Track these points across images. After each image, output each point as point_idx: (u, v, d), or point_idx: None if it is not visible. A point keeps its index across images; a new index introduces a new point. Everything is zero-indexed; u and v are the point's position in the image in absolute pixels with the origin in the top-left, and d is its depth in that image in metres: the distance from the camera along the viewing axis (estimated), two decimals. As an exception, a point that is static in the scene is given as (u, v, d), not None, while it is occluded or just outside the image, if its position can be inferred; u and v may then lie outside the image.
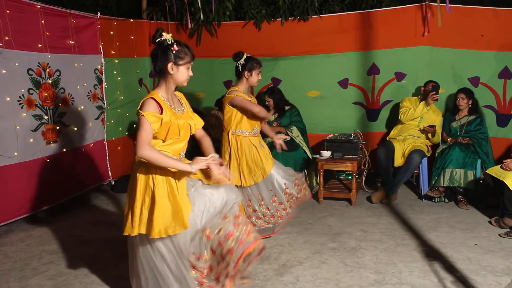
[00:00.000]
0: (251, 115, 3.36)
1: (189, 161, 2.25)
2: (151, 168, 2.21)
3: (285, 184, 3.42)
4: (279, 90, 4.93)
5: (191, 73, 2.30)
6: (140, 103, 2.21)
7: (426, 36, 4.73)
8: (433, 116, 4.61)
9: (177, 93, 2.43)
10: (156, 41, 2.21)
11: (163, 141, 2.25)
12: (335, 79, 5.15)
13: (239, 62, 3.35)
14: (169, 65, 2.20)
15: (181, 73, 2.24)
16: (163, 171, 2.22)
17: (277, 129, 4.83)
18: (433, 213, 4.06)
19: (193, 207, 2.23)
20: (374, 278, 2.78)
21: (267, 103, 4.91)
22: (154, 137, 2.21)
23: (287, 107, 4.91)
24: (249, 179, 3.34)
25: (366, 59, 5.01)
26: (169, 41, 2.19)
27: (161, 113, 2.18)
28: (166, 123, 2.18)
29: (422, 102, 4.48)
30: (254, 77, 3.37)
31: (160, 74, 2.26)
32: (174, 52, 2.19)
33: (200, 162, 2.22)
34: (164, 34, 2.20)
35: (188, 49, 2.26)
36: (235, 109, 3.34)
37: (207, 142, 2.54)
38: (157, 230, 2.14)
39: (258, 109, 3.31)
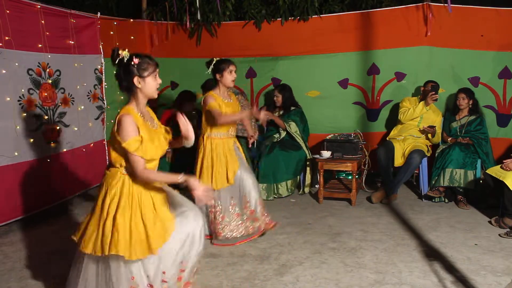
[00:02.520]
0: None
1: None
2: (134, 185, 2.19)
3: (249, 198, 3.40)
4: (290, 89, 4.92)
5: (159, 81, 2.24)
6: (117, 119, 2.15)
7: (426, 36, 4.73)
8: (433, 116, 4.61)
9: (147, 109, 2.36)
10: (116, 62, 2.17)
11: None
12: (335, 79, 5.15)
13: (210, 68, 3.36)
14: (135, 79, 2.16)
15: (149, 84, 2.19)
16: (146, 187, 2.22)
17: (276, 119, 4.81)
18: (433, 213, 4.06)
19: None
20: (374, 278, 2.78)
21: (275, 98, 4.91)
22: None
23: (293, 108, 4.91)
24: (220, 182, 3.32)
25: (366, 59, 5.01)
26: (126, 56, 2.15)
27: (139, 132, 2.14)
28: (145, 142, 2.14)
29: (422, 102, 4.48)
30: (226, 77, 3.33)
31: (128, 91, 2.22)
32: (136, 65, 2.14)
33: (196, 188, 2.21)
34: (120, 52, 2.16)
35: (150, 59, 2.21)
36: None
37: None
38: (154, 247, 2.12)
39: (218, 117, 3.23)
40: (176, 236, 2.20)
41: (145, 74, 2.17)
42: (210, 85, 4.53)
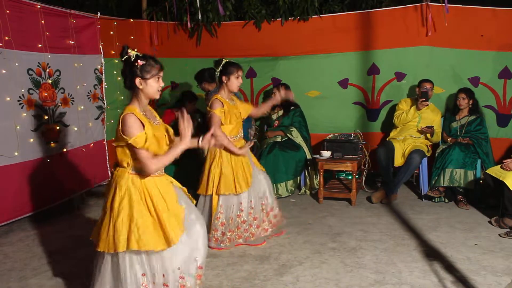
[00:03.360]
0: (233, 120, 3.31)
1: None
2: (144, 182, 2.24)
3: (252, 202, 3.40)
4: (289, 88, 4.90)
5: (162, 84, 2.29)
6: (121, 119, 2.17)
7: (426, 36, 4.73)
8: (432, 115, 4.61)
9: (149, 107, 2.41)
10: (123, 59, 2.23)
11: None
12: (335, 79, 5.15)
13: (218, 69, 3.29)
14: (137, 80, 2.21)
15: (150, 86, 2.24)
16: (155, 184, 2.27)
17: (276, 133, 4.82)
18: (433, 213, 4.06)
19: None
20: (374, 278, 2.78)
21: (273, 95, 4.88)
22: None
23: (292, 107, 4.90)
24: (243, 185, 3.27)
25: (366, 59, 5.01)
26: (133, 57, 2.20)
27: (143, 128, 2.18)
28: (149, 138, 2.18)
29: (413, 107, 4.53)
30: (233, 81, 3.27)
31: (131, 90, 2.27)
32: (139, 67, 2.20)
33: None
34: (129, 51, 2.21)
35: (155, 61, 2.25)
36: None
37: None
38: (171, 238, 2.19)
39: (215, 126, 3.15)
40: (183, 240, 2.25)
41: (148, 76, 2.22)
42: (203, 75, 4.52)
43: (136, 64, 2.19)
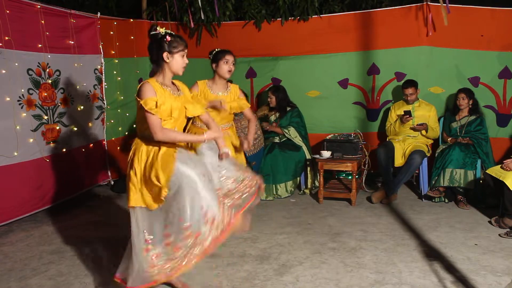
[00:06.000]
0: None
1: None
2: (146, 145, 2.43)
3: None
4: (284, 89, 4.91)
5: (186, 61, 2.48)
6: (138, 88, 2.39)
7: (426, 36, 4.73)
8: (424, 112, 4.63)
9: (177, 82, 2.60)
10: (151, 33, 2.42)
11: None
12: (335, 79, 5.15)
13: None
14: (165, 54, 2.40)
15: (176, 60, 2.43)
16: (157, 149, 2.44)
17: (274, 128, 4.82)
18: (433, 213, 4.06)
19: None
20: (374, 278, 2.78)
21: (269, 99, 4.90)
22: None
23: (289, 108, 4.90)
24: None
25: (366, 59, 5.01)
26: (162, 33, 2.40)
27: (155, 95, 2.37)
28: (161, 105, 2.36)
29: (398, 121, 4.61)
30: (221, 67, 3.31)
31: (156, 64, 2.45)
32: (167, 42, 2.39)
33: (212, 134, 2.54)
34: (158, 28, 2.41)
35: (181, 39, 2.46)
36: None
37: (212, 124, 2.71)
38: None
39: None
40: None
41: (175, 50, 2.41)
42: None
43: (165, 39, 2.38)
